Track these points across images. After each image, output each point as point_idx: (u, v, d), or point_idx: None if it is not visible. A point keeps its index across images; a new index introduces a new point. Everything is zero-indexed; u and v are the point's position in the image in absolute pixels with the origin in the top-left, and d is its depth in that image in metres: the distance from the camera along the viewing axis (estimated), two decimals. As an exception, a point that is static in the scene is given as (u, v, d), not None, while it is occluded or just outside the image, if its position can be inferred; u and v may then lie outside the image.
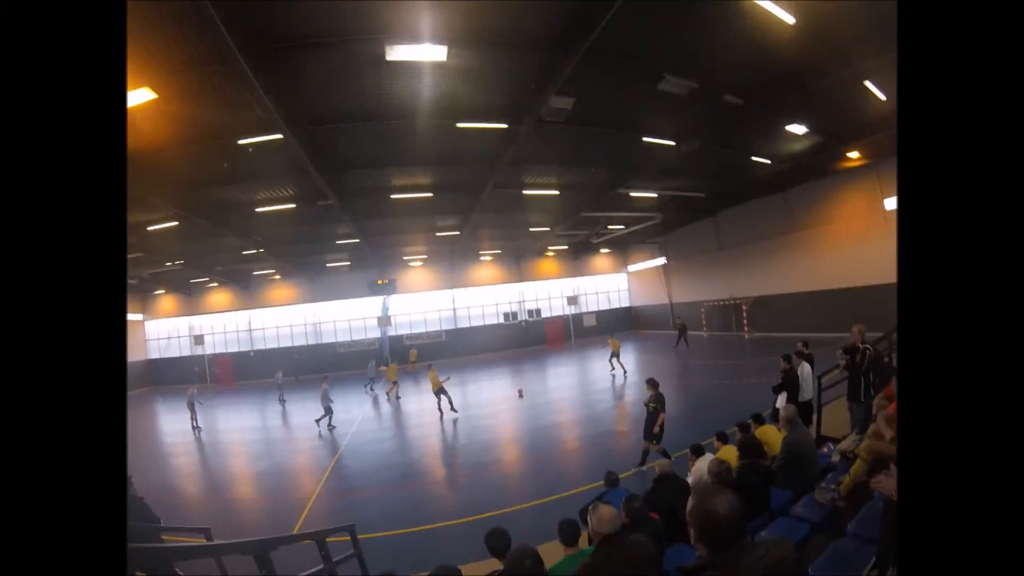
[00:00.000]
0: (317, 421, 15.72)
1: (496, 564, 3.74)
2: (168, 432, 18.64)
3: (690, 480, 5.76)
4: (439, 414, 15.29)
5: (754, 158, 16.93)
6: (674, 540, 4.01)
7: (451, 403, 15.27)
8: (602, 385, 18.63)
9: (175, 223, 16.59)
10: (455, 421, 14.76)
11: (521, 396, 17.60)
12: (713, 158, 16.01)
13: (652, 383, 9.35)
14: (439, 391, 15.45)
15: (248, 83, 8.17)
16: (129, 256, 21.19)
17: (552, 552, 3.64)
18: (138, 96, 8.31)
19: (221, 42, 7.05)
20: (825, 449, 6.35)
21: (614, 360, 19.86)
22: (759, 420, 6.97)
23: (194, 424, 17.11)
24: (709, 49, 9.31)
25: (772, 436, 6.22)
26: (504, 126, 11.42)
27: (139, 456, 13.84)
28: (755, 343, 23.71)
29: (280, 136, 10.32)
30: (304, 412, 18.60)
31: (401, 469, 11.05)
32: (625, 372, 19.60)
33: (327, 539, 4.66)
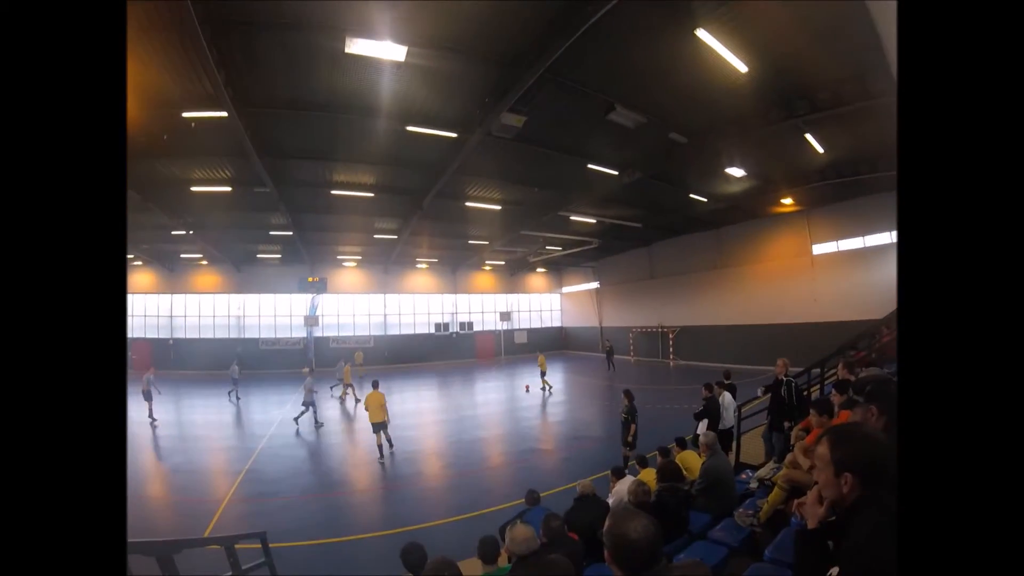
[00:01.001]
0: (296, 419, 14.95)
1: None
2: None
3: (610, 501, 5.87)
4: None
5: (692, 195, 17.79)
6: (592, 560, 4.05)
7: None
8: (528, 402, 18.76)
9: None
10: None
11: (528, 391, 19.57)
12: (653, 190, 16.71)
13: (627, 394, 9.92)
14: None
15: (201, 53, 7.70)
16: None
17: (471, 568, 3.60)
18: None
19: (180, 5, 6.65)
20: (743, 476, 6.64)
21: (544, 378, 20.55)
22: (682, 444, 7.24)
23: (151, 417, 15.30)
24: (662, 87, 9.77)
25: (692, 461, 6.47)
26: (454, 135, 11.44)
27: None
28: (680, 370, 24.73)
29: (225, 114, 9.77)
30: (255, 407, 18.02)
31: (320, 477, 10.63)
32: (551, 389, 20.20)
33: (236, 545, 4.41)
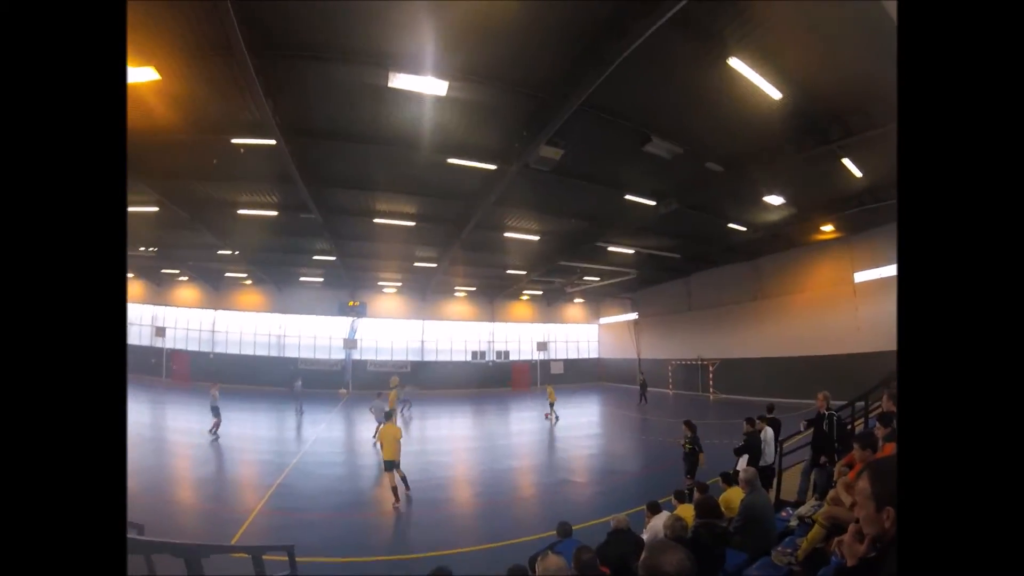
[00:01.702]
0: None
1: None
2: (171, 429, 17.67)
3: (645, 537, 5.71)
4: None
5: (730, 224, 17.55)
6: None
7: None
8: (563, 433, 18.51)
9: (155, 209, 16.10)
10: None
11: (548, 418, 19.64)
12: (690, 221, 16.58)
13: (689, 424, 9.85)
14: None
15: (250, 82, 8.19)
16: None
17: None
18: (142, 74, 8.25)
19: (230, 33, 7.07)
20: (784, 513, 6.37)
21: (552, 408, 20.57)
22: (727, 480, 6.99)
23: (214, 431, 15.56)
24: (697, 116, 9.82)
25: (735, 498, 6.23)
26: (493, 167, 11.69)
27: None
28: (719, 404, 23.99)
29: (273, 142, 10.29)
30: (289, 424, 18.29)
31: (352, 496, 10.67)
32: (557, 418, 20.28)
33: (264, 556, 4.48)
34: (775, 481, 8.45)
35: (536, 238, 18.64)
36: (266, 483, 11.24)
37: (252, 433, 17.53)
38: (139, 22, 7.27)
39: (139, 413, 19.62)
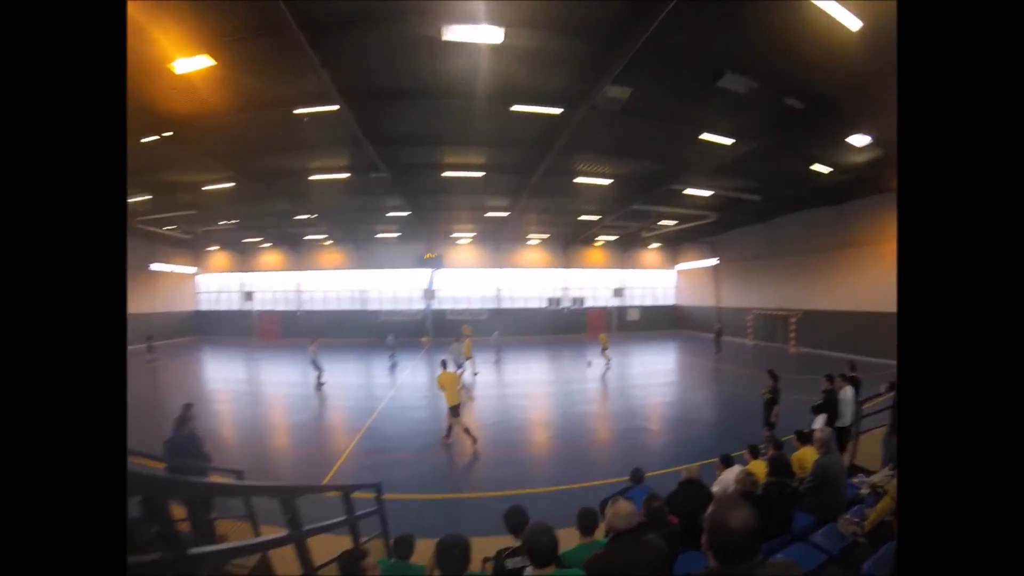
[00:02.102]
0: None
1: (511, 541, 3.86)
2: (282, 384, 19.68)
3: (715, 489, 5.66)
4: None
5: (814, 166, 16.21)
6: (688, 546, 3.96)
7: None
8: (640, 380, 18.49)
9: (231, 184, 17.45)
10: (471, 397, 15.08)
11: (590, 366, 19.68)
12: (771, 161, 15.45)
13: (772, 374, 9.71)
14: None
15: (304, 54, 8.41)
16: (183, 213, 22.45)
17: (567, 538, 3.70)
18: (197, 62, 8.77)
19: (278, 12, 7.27)
20: (855, 479, 6.09)
21: (606, 353, 20.61)
22: (802, 439, 6.75)
23: (320, 381, 17.16)
24: (771, 49, 8.95)
25: (811, 458, 6.05)
26: (558, 111, 11.35)
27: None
28: (800, 358, 22.83)
29: (336, 107, 10.60)
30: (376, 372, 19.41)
31: (435, 437, 11.30)
32: (609, 363, 20.38)
33: (352, 494, 4.79)
34: (851, 444, 8.05)
35: (608, 182, 18.07)
36: (356, 427, 12.13)
37: (342, 381, 18.74)
38: (186, 15, 7.72)
39: (234, 370, 21.89)
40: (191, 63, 8.81)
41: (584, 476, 8.64)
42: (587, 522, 3.82)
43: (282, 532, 3.15)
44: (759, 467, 5.71)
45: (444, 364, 11.91)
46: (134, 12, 7.57)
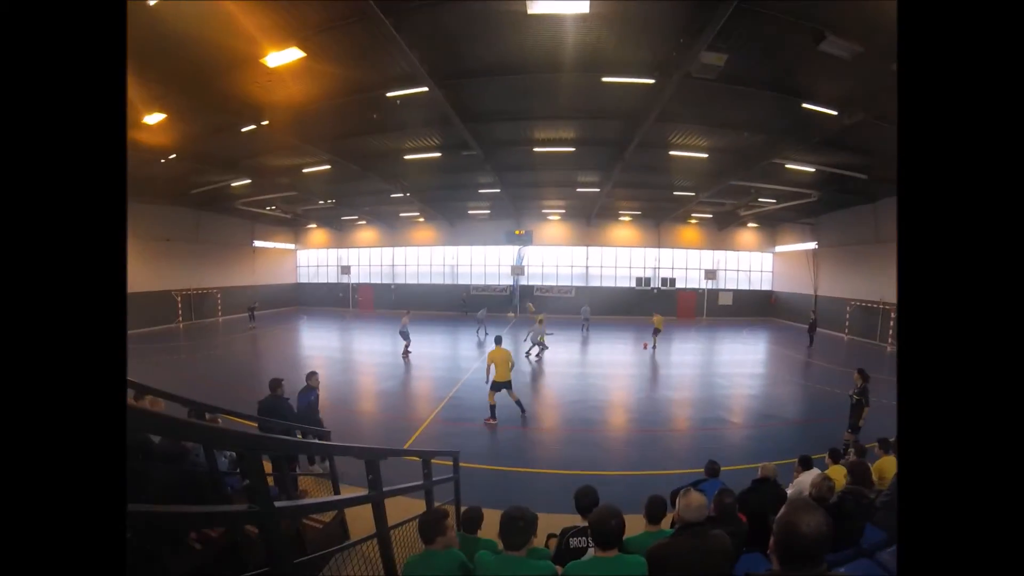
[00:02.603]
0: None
1: (578, 519, 3.90)
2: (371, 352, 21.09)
3: (790, 491, 5.44)
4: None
5: None
6: (753, 547, 3.84)
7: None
8: (726, 370, 17.76)
9: (328, 167, 18.66)
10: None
11: (646, 348, 19.43)
12: (879, 134, 13.95)
13: (862, 373, 9.13)
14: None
15: (391, 39, 8.65)
16: (283, 194, 24.18)
17: (634, 524, 3.69)
18: (288, 55, 9.31)
19: (363, 3, 7.57)
20: None
21: (655, 336, 20.31)
22: (885, 447, 6.31)
23: (407, 351, 18.37)
24: (877, 8, 8.03)
25: (892, 469, 5.66)
26: (651, 81, 10.89)
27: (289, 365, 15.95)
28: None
29: (426, 89, 10.85)
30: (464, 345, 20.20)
31: (515, 410, 11.55)
32: (655, 347, 20.29)
33: (432, 460, 4.99)
34: None
35: (704, 155, 17.12)
36: (440, 396, 12.66)
37: (429, 352, 19.52)
38: (274, 10, 8.23)
39: (329, 339, 23.60)
40: (282, 56, 9.37)
41: (658, 463, 8.53)
42: (655, 510, 3.75)
43: (359, 491, 3.35)
44: (838, 473, 5.39)
45: (499, 340, 11.74)
46: (224, 10, 8.17)
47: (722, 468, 6.15)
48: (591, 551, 3.15)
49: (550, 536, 4.17)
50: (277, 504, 2.21)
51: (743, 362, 19.54)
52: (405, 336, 18.28)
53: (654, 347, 20.27)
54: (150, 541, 2.34)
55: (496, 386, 10.66)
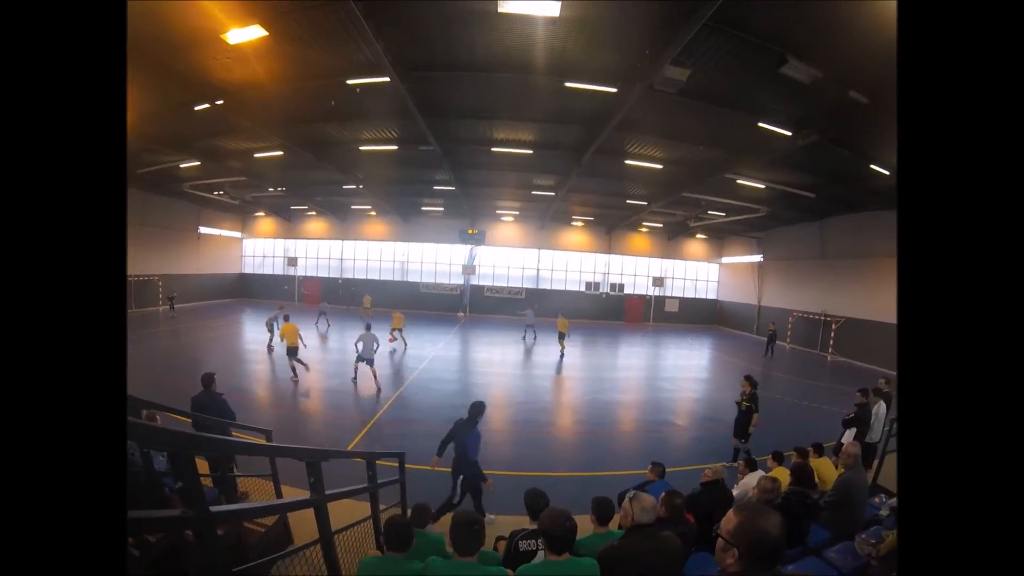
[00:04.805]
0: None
1: (525, 522, 3.87)
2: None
3: (735, 492, 5.61)
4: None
5: (873, 166, 15.31)
6: (701, 547, 3.88)
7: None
8: (670, 373, 18.23)
9: (280, 153, 17.88)
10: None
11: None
12: (830, 157, 14.68)
13: (750, 380, 9.24)
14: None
15: (358, 25, 8.43)
16: (232, 179, 23.07)
17: (582, 525, 3.69)
18: (249, 32, 8.91)
19: None
20: (877, 500, 5.85)
21: (562, 341, 20.35)
22: (818, 451, 6.64)
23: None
24: (839, 38, 8.43)
25: (827, 471, 6.00)
26: (614, 90, 11.04)
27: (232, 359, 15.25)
28: (836, 367, 21.85)
29: (387, 79, 10.60)
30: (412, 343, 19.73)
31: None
32: (563, 354, 19.94)
33: (376, 461, 4.88)
34: (876, 463, 7.72)
35: (660, 166, 17.53)
36: (385, 396, 12.41)
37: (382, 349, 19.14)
38: None
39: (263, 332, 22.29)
40: (244, 33, 8.96)
41: (605, 464, 8.63)
42: (604, 511, 3.77)
43: (302, 494, 3.21)
44: (782, 475, 5.59)
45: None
46: None
47: (666, 469, 6.29)
48: (541, 554, 3.12)
49: (499, 539, 4.12)
50: (214, 509, 2.06)
51: (688, 367, 20.10)
52: (269, 328, 18.05)
53: (562, 353, 20.08)
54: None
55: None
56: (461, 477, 6.57)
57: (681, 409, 13.41)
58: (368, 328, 13.35)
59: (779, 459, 6.55)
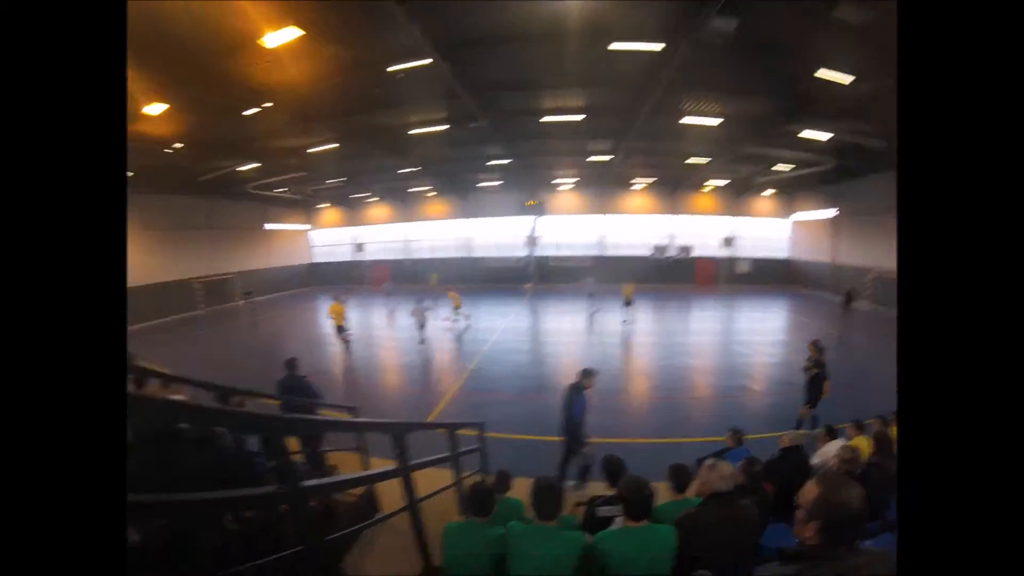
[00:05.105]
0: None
1: (603, 488, 3.92)
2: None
3: (815, 461, 5.40)
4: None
5: None
6: (777, 517, 3.74)
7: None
8: (743, 336, 17.59)
9: (335, 145, 18.51)
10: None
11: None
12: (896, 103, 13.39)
13: (816, 345, 8.77)
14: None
15: (391, 11, 8.46)
16: (292, 176, 24.05)
17: (659, 493, 3.70)
18: (287, 34, 9.18)
19: None
20: None
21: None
22: (859, 429, 6.30)
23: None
24: None
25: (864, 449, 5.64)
26: (660, 47, 10.57)
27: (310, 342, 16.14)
28: None
29: (429, 61, 10.66)
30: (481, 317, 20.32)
31: (536, 380, 11.64)
32: (628, 321, 19.17)
33: (457, 431, 4.97)
34: None
35: (718, 122, 16.66)
36: (462, 368, 12.79)
37: (450, 324, 19.71)
38: None
39: (357, 317, 23.40)
40: (280, 36, 9.23)
41: (681, 431, 8.53)
42: (681, 479, 3.74)
43: (388, 464, 3.39)
44: (863, 443, 5.34)
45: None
46: None
47: (745, 436, 6.16)
48: (619, 520, 3.16)
49: (577, 504, 4.20)
50: (305, 484, 2.24)
51: (762, 329, 19.32)
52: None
53: (630, 320, 19.34)
54: (187, 524, 2.39)
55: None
56: (566, 439, 6.71)
57: (757, 373, 12.98)
58: (419, 302, 16.21)
59: (860, 427, 6.27)
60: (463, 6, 9.30)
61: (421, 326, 16.33)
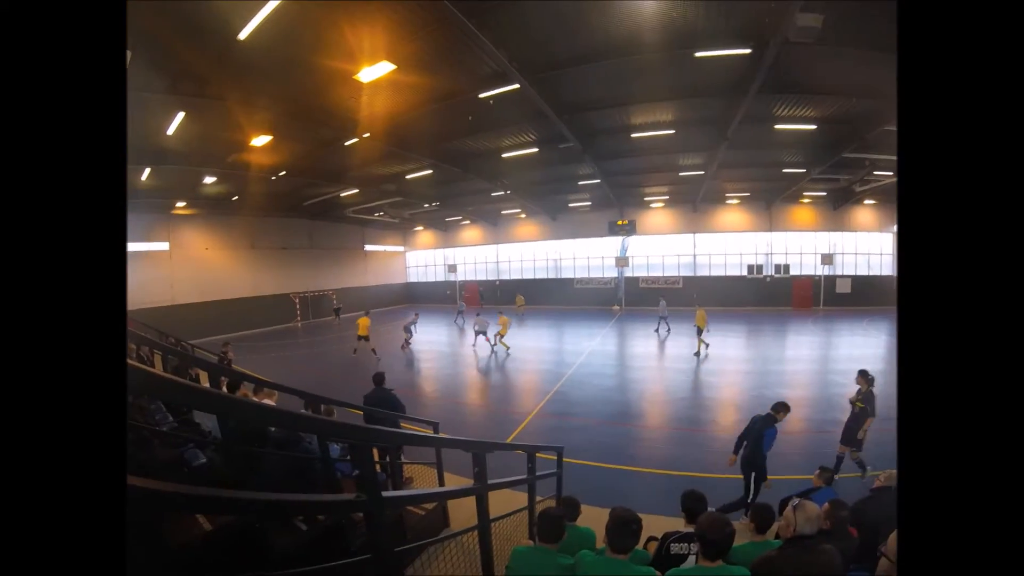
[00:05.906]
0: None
1: (679, 523, 3.79)
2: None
3: None
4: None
5: None
6: (859, 565, 3.39)
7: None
8: (842, 365, 16.14)
9: (430, 171, 19.74)
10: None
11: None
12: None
13: (865, 376, 7.85)
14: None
15: (477, 40, 8.88)
16: (389, 200, 25.86)
17: (739, 531, 3.53)
18: (380, 69, 9.82)
19: (441, 7, 7.81)
20: None
21: (700, 337, 17.62)
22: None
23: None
24: None
25: None
26: (747, 51, 10.20)
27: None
28: None
29: (517, 86, 11.00)
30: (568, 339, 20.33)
31: (618, 407, 11.42)
32: (706, 351, 17.58)
33: (536, 454, 5.02)
34: None
35: (812, 127, 15.80)
36: (544, 390, 12.79)
37: (536, 345, 19.85)
38: (360, 25, 8.63)
39: (438, 333, 24.95)
40: (374, 71, 9.91)
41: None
42: (763, 519, 3.60)
43: (464, 482, 3.47)
44: None
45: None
46: (313, 34, 8.92)
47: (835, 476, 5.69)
48: (692, 559, 3.05)
49: (650, 539, 4.08)
50: (385, 494, 2.31)
51: (864, 357, 17.52)
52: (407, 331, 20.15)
53: (700, 352, 17.55)
54: (263, 521, 2.56)
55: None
56: (754, 474, 6.41)
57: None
58: (478, 315, 19.36)
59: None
60: (546, 30, 9.58)
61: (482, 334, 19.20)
